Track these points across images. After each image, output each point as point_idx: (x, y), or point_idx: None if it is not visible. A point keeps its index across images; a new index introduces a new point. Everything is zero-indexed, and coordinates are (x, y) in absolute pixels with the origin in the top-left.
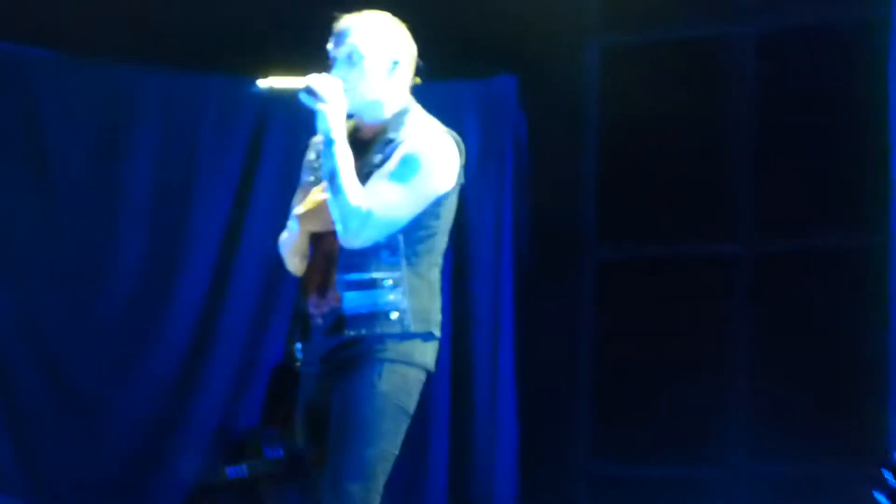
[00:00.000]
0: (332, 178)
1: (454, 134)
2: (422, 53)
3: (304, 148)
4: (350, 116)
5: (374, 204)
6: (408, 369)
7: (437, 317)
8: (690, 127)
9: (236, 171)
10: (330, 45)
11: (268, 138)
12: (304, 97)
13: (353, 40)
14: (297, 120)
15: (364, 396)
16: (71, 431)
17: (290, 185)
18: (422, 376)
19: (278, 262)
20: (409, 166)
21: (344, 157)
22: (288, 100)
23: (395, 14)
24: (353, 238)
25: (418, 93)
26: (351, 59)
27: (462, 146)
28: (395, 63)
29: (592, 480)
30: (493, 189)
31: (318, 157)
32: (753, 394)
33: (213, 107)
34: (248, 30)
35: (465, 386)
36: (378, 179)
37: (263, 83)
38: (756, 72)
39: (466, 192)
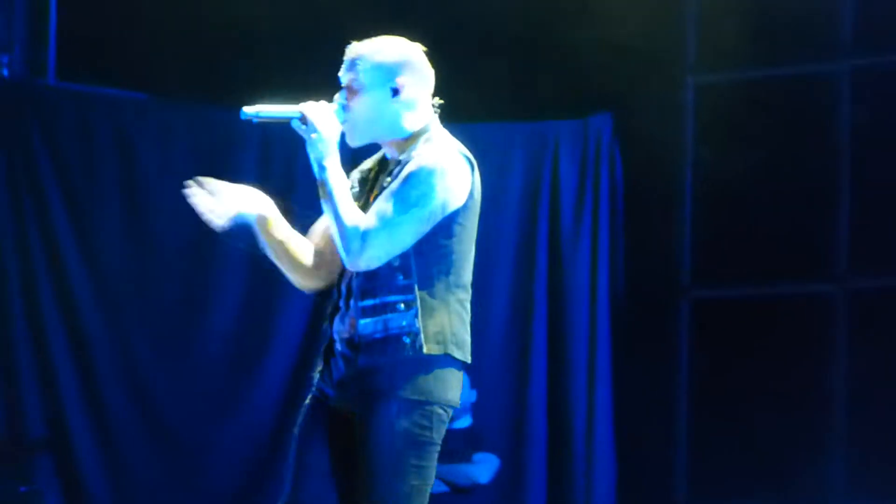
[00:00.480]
0: (329, 205)
1: (466, 152)
2: (517, 93)
3: None
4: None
5: (374, 223)
6: (429, 407)
7: (458, 338)
8: (785, 164)
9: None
10: (340, 73)
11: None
12: (296, 125)
13: (353, 69)
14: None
15: (385, 436)
16: (167, 469)
17: None
18: (445, 412)
19: None
20: (410, 183)
21: (338, 181)
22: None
23: (490, 53)
24: (355, 260)
25: (516, 132)
26: (353, 89)
27: (474, 164)
28: (395, 90)
29: None
30: (588, 228)
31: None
32: (850, 431)
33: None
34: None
35: (563, 425)
36: (381, 199)
37: (250, 109)
38: (850, 108)
39: (561, 231)
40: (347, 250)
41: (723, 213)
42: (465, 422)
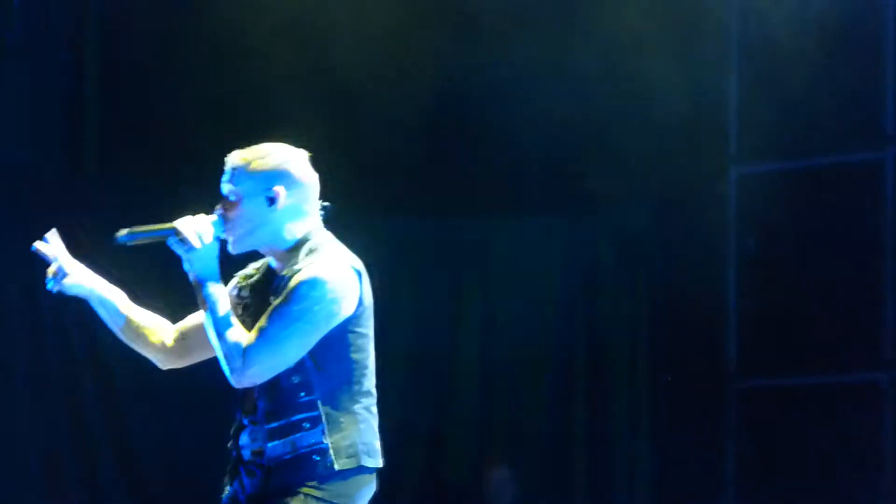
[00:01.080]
0: (210, 321)
1: (353, 259)
2: (556, 184)
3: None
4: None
5: (255, 341)
6: None
7: (369, 447)
8: (830, 253)
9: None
10: (221, 184)
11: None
12: (171, 242)
13: (231, 179)
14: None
15: None
16: None
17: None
18: None
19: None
20: (292, 299)
21: (218, 297)
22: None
23: (533, 146)
24: (238, 378)
25: (557, 226)
26: (230, 199)
27: (362, 271)
28: (271, 199)
29: None
30: (630, 317)
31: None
32: None
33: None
34: None
35: None
36: (265, 315)
37: (123, 232)
38: (895, 195)
39: (601, 319)
40: (231, 368)
41: (768, 302)
42: None
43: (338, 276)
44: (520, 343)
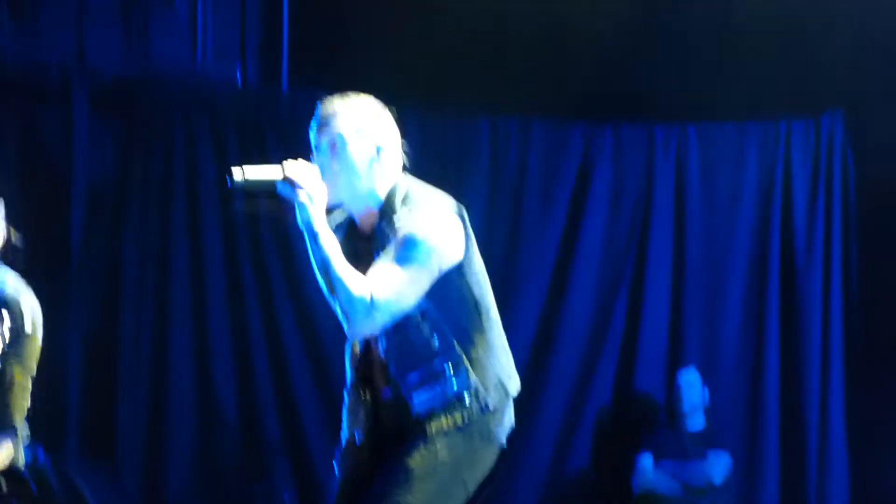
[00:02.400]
0: (327, 271)
1: (454, 203)
2: (747, 90)
3: (630, 189)
4: (336, 206)
5: (378, 291)
6: (478, 443)
7: (509, 372)
8: None
9: (563, 212)
10: (312, 132)
11: (595, 177)
12: (281, 187)
13: (335, 128)
14: (623, 161)
15: (419, 456)
16: None
17: (617, 225)
18: (493, 450)
19: (606, 300)
20: (410, 248)
21: (332, 247)
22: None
23: (728, 51)
24: (359, 328)
25: (748, 131)
26: (334, 147)
27: (464, 213)
28: (379, 149)
29: None
30: (821, 229)
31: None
32: None
33: (537, 149)
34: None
35: (796, 426)
36: (380, 265)
37: (238, 174)
38: None
39: (794, 231)
40: (353, 319)
41: None
42: (698, 421)
43: (448, 224)
44: (712, 250)
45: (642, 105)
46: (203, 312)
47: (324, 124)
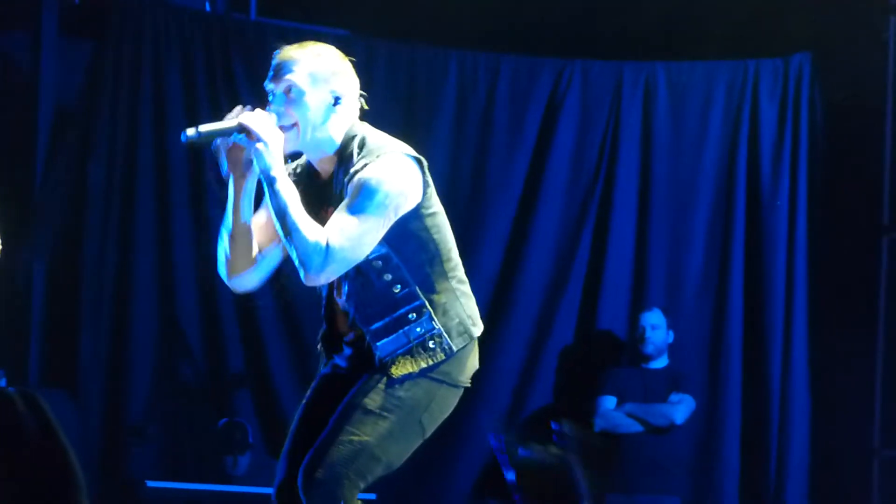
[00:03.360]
0: (284, 218)
1: (408, 149)
2: (714, 31)
3: (597, 127)
4: (296, 155)
5: (335, 237)
6: (438, 388)
7: (473, 317)
8: None
9: (529, 148)
10: (268, 80)
11: (563, 113)
12: (237, 137)
13: (292, 75)
14: (590, 98)
15: (377, 397)
16: None
17: (582, 164)
18: (455, 394)
19: (570, 239)
20: (364, 194)
21: (290, 194)
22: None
23: None
24: (316, 275)
25: (715, 69)
26: (290, 95)
27: (422, 160)
28: (337, 97)
29: (885, 464)
30: (787, 167)
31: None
32: None
33: (505, 84)
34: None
35: (759, 367)
36: (336, 214)
37: (191, 131)
38: None
39: (760, 169)
40: (308, 266)
41: None
42: (661, 362)
43: (401, 167)
44: (677, 188)
45: (612, 43)
46: (168, 241)
47: (280, 72)
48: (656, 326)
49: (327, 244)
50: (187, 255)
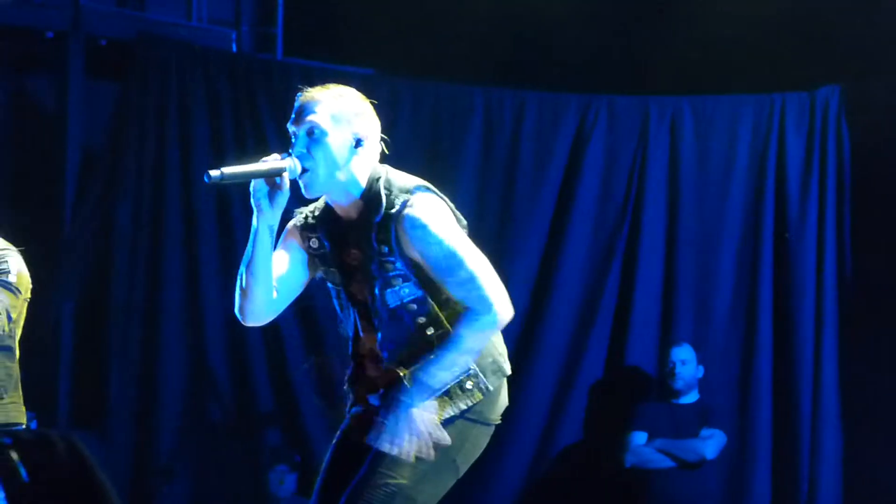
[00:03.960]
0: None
1: (430, 186)
2: (744, 65)
3: (624, 162)
4: (316, 196)
5: (475, 294)
6: (474, 428)
7: (504, 353)
8: None
9: (556, 184)
10: (291, 122)
11: (589, 149)
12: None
13: (314, 116)
14: (617, 134)
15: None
16: None
17: (610, 199)
18: (488, 433)
19: (599, 274)
20: (440, 234)
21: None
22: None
23: (720, 23)
24: (501, 323)
25: (738, 105)
26: (313, 136)
27: (446, 199)
28: (359, 139)
29: None
30: (815, 203)
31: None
32: None
33: (531, 120)
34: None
35: (789, 403)
36: (450, 277)
37: (215, 172)
38: None
39: (788, 207)
40: (494, 323)
41: None
42: (691, 397)
43: (437, 202)
44: (706, 221)
45: (637, 78)
46: (195, 281)
47: (302, 113)
48: (686, 361)
49: (487, 299)
50: (215, 295)
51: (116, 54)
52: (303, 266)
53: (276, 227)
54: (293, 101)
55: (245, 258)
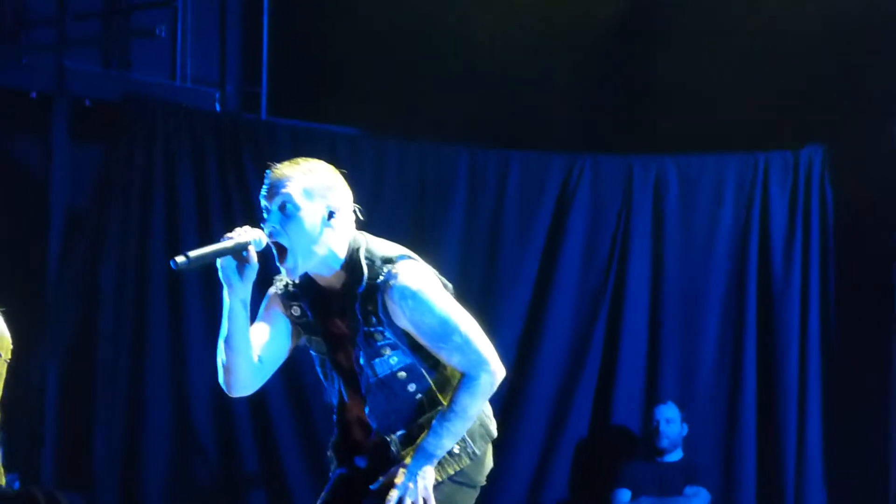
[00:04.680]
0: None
1: (412, 254)
2: (728, 123)
3: (608, 221)
4: (292, 271)
5: (472, 357)
6: (457, 489)
7: (491, 415)
8: None
9: (541, 243)
10: (263, 197)
11: (574, 208)
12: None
13: (286, 191)
14: (601, 193)
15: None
16: None
17: (594, 258)
18: (472, 494)
19: (583, 333)
20: (432, 301)
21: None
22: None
23: (703, 84)
24: (497, 380)
25: (721, 164)
26: (286, 211)
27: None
28: (332, 212)
29: None
30: (799, 263)
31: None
32: None
33: (515, 179)
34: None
35: (773, 462)
36: (445, 343)
37: (181, 259)
38: None
39: (772, 265)
40: (491, 386)
41: None
42: (676, 455)
43: (421, 268)
44: (690, 279)
45: (621, 138)
46: (181, 339)
47: (273, 189)
48: (671, 420)
49: (484, 359)
50: (199, 355)
51: (101, 116)
52: (286, 334)
53: (248, 301)
54: (279, 160)
55: (222, 334)
